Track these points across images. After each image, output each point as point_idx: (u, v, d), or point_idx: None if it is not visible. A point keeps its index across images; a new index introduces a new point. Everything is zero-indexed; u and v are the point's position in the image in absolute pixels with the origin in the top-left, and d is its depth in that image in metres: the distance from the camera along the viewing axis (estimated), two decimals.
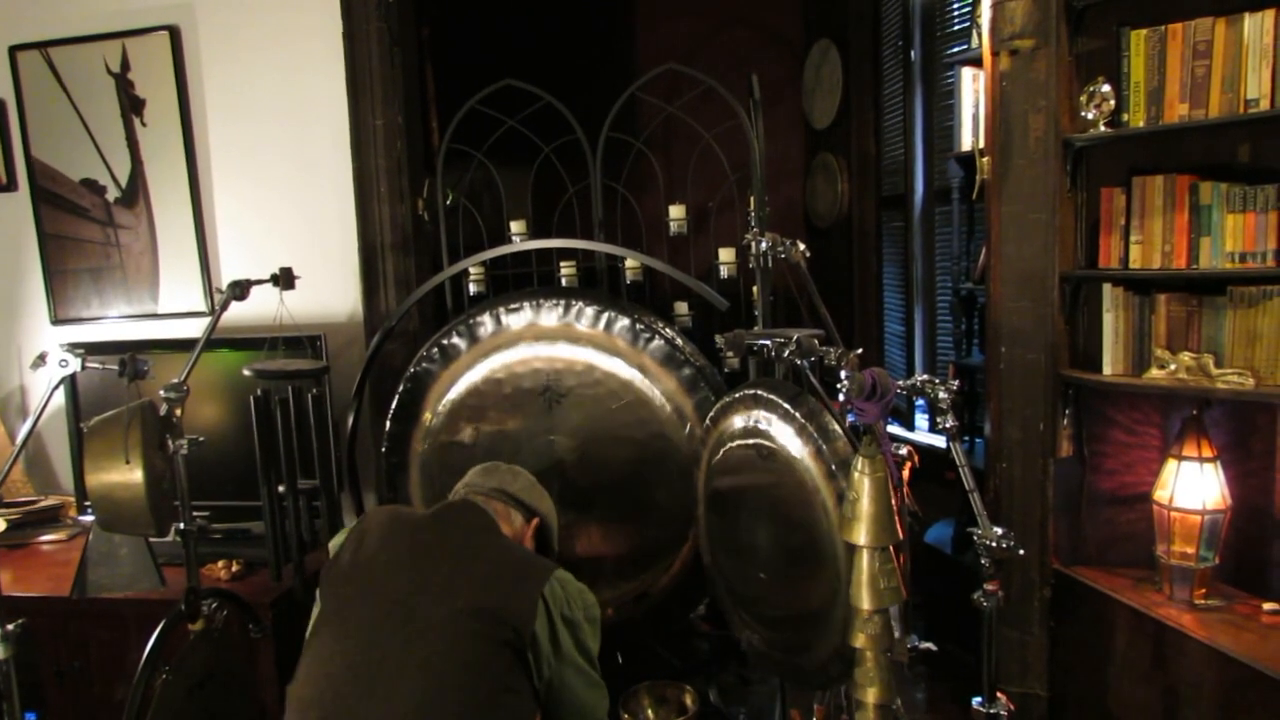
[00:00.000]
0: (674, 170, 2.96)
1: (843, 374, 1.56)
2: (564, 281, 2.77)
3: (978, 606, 1.64)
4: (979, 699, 1.67)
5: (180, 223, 3.17)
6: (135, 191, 3.19)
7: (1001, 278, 2.50)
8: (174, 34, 3.08)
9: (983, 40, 2.54)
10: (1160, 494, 2.30)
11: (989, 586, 1.63)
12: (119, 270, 3.25)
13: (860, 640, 1.60)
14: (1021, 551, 1.66)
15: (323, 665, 1.57)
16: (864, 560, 1.57)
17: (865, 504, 1.55)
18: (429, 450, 2.60)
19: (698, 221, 2.88)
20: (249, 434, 2.52)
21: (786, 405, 1.88)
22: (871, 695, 1.61)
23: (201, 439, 2.23)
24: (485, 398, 2.54)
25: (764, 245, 2.21)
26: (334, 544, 1.78)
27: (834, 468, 1.76)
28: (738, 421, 2.03)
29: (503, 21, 4.41)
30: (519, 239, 2.74)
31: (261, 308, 2.59)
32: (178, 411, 2.18)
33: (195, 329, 3.12)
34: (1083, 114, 2.38)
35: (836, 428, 1.81)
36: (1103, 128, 2.35)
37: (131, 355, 2.40)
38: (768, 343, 1.93)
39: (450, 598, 1.57)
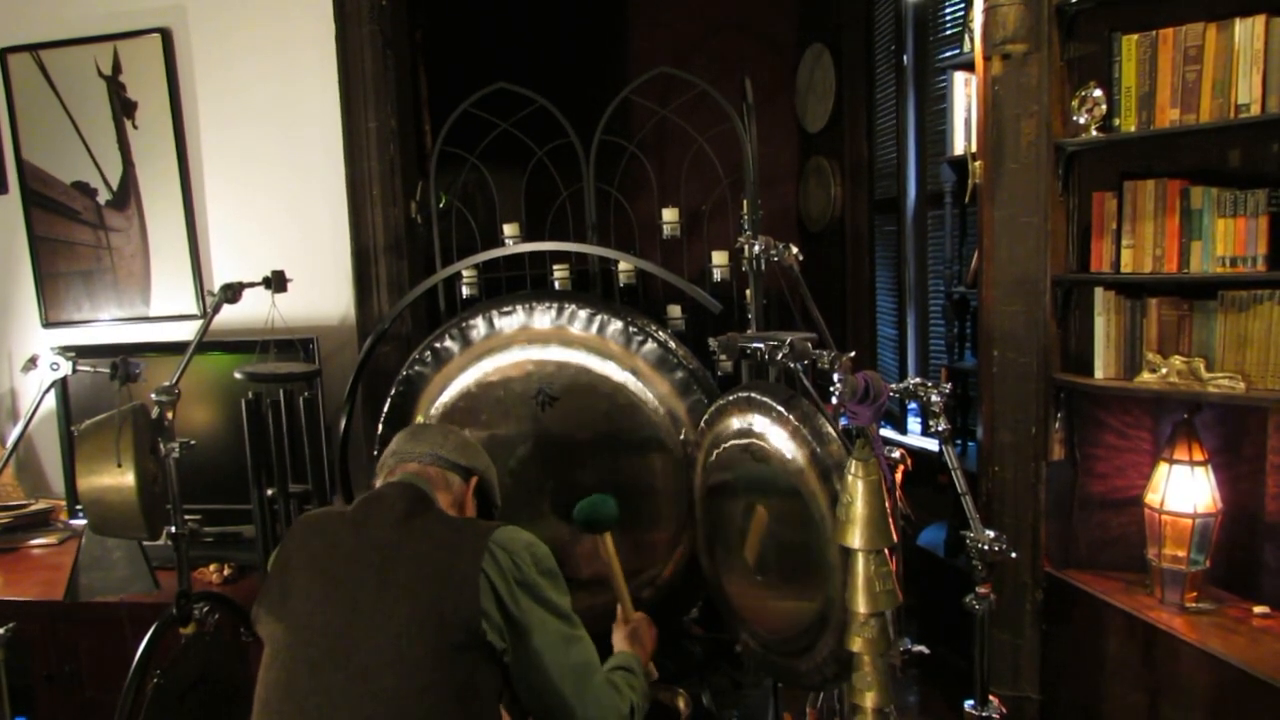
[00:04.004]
0: (667, 173, 2.97)
1: (836, 377, 1.56)
2: (557, 284, 2.77)
3: (970, 610, 1.64)
4: (971, 702, 1.66)
5: (172, 225, 3.16)
6: (126, 194, 3.18)
7: (993, 281, 2.51)
8: (166, 36, 3.07)
9: (975, 45, 2.55)
10: (1151, 497, 2.31)
11: (981, 590, 1.63)
12: (110, 273, 3.24)
13: (857, 644, 1.59)
14: (1013, 555, 1.66)
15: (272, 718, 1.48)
16: (859, 563, 1.57)
17: (859, 507, 1.55)
18: None
19: (691, 225, 2.87)
20: (241, 437, 2.50)
21: (780, 408, 1.88)
22: (869, 700, 1.60)
23: (193, 442, 2.22)
24: (478, 401, 2.53)
25: (757, 248, 2.21)
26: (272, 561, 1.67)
27: (827, 470, 1.77)
28: (732, 424, 2.03)
29: (496, 25, 4.40)
30: (512, 242, 2.74)
31: (253, 311, 2.59)
32: (169, 414, 2.17)
33: (187, 332, 3.11)
34: (1074, 118, 2.39)
35: (830, 431, 1.81)
36: (1094, 132, 2.36)
37: (123, 358, 2.39)
38: (761, 346, 1.93)
39: (386, 620, 1.46)
